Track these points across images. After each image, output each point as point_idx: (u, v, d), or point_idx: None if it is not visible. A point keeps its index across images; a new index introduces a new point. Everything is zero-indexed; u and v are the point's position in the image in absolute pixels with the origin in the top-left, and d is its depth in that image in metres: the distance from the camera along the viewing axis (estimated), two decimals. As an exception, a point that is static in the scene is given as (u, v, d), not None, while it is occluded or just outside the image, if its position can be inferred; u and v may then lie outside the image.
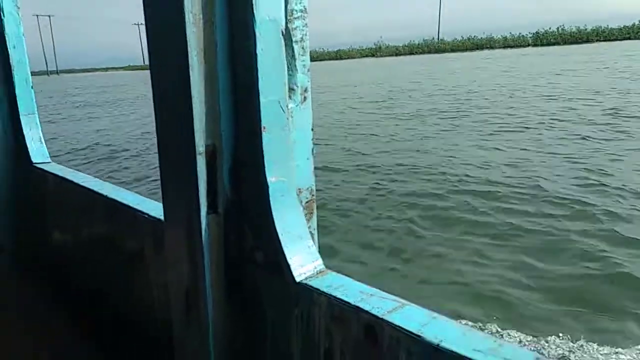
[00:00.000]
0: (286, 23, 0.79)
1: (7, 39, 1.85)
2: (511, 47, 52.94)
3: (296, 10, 0.80)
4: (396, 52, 60.63)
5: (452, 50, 55.10)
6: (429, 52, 56.78)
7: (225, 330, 0.88)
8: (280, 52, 0.79)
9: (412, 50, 59.50)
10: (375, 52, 62.55)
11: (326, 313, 0.74)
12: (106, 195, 1.40)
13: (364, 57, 62.22)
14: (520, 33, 56.26)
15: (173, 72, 0.80)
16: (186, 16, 0.73)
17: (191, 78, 0.76)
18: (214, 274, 0.84)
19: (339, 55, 64.67)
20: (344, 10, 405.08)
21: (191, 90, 0.76)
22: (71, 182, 1.61)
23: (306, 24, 0.83)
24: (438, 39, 64.01)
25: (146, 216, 1.19)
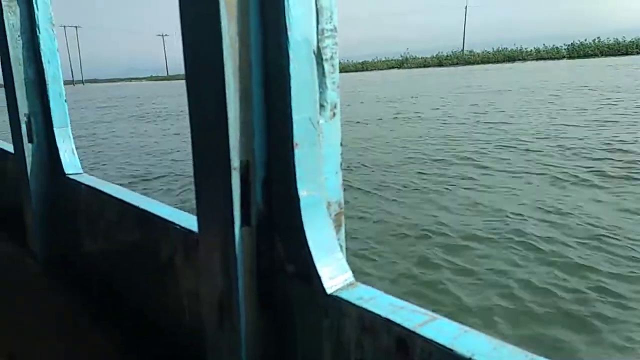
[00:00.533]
0: (317, 42, 0.84)
1: (42, 54, 1.97)
2: (544, 59, 52.12)
3: (327, 30, 0.86)
4: (424, 63, 60.53)
5: (482, 62, 54.55)
6: (457, 64, 56.35)
7: (257, 339, 0.92)
8: (312, 71, 0.84)
9: (440, 62, 59.27)
10: (402, 63, 62.64)
11: (357, 325, 0.77)
12: (137, 206, 1.47)
13: (390, 68, 62.34)
14: (553, 45, 55.44)
15: (209, 90, 0.86)
16: (223, 38, 0.79)
17: (227, 97, 0.81)
18: (246, 285, 0.89)
19: (364, 67, 64.99)
20: (365, 22, 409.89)
21: (227, 108, 0.82)
22: (103, 192, 1.70)
23: (336, 43, 0.88)
24: (463, 50, 63.69)
25: (177, 227, 1.25)
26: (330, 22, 0.86)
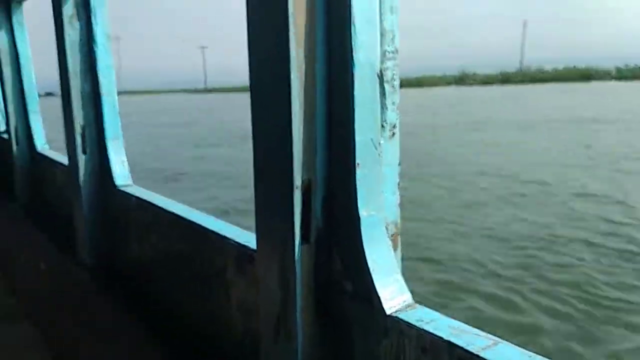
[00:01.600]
0: (380, 64, 0.90)
1: (98, 68, 2.16)
2: (627, 78, 49.27)
3: (389, 52, 0.91)
4: (486, 80, 59.06)
5: (554, 80, 52.28)
6: (524, 82, 54.23)
7: (312, 353, 0.97)
8: (375, 92, 0.90)
9: (506, 79, 57.50)
10: (460, 80, 61.45)
11: (417, 346, 0.80)
12: (189, 219, 1.56)
13: (448, 84, 61.23)
14: (635, 64, 52.40)
15: (275, 112, 0.93)
16: (291, 63, 0.86)
17: (292, 118, 0.88)
18: (304, 301, 0.94)
19: (419, 83, 64.21)
20: (414, 35, 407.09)
21: (292, 129, 0.88)
22: (154, 204, 1.81)
23: (397, 64, 0.93)
24: (521, 67, 61.50)
25: (231, 241, 1.33)
26: (392, 45, 0.92)
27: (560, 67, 56.66)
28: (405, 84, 64.31)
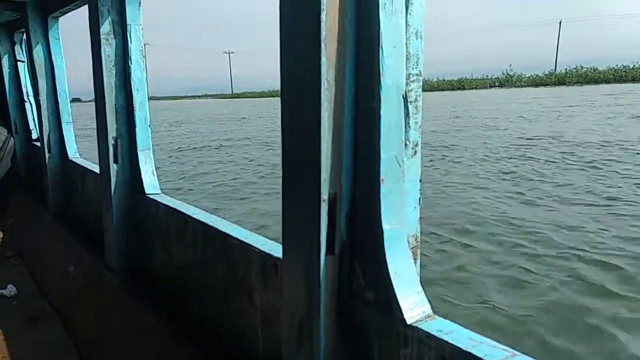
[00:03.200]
0: (405, 86, 1.01)
1: (132, 82, 2.36)
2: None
3: (413, 74, 1.03)
4: (536, 82, 57.25)
5: (605, 82, 50.02)
6: (579, 83, 52.00)
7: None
8: (400, 113, 1.01)
9: (559, 80, 55.24)
10: (505, 82, 60.03)
11: (437, 355, 0.89)
12: (217, 228, 1.70)
13: (490, 87, 59.75)
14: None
15: (305, 128, 1.05)
16: (322, 83, 0.98)
17: (322, 134, 1.00)
18: (327, 309, 1.05)
19: (461, 85, 63.08)
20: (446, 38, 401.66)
21: (321, 145, 1.00)
22: (182, 213, 1.97)
23: (420, 86, 1.04)
24: (556, 68, 59.15)
25: (256, 250, 1.46)
26: (416, 67, 1.03)
27: (602, 67, 53.98)
28: (446, 86, 63.15)
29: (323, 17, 0.95)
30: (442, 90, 58.67)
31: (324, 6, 0.95)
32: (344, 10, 0.98)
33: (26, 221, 4.29)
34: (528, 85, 56.08)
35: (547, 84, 54.94)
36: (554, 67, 61.74)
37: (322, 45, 0.96)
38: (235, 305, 1.60)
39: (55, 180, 3.73)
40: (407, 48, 1.00)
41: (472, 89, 59.55)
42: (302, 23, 1.01)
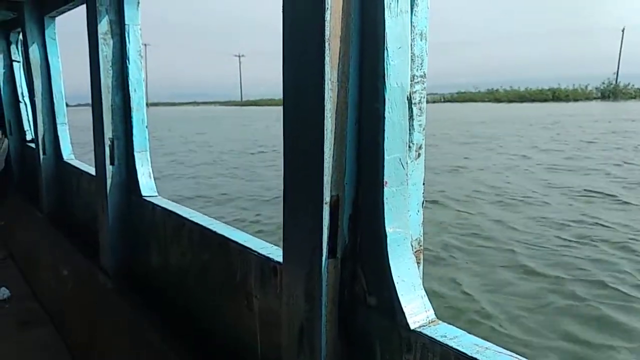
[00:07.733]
0: (409, 88, 1.00)
1: (129, 83, 2.35)
2: None
3: (417, 76, 1.02)
4: (585, 96, 50.49)
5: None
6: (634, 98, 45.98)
7: None
8: (404, 115, 1.00)
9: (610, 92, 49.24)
10: (608, 93, 51.46)
11: None
12: (214, 231, 1.69)
13: (595, 99, 49.63)
14: None
15: (307, 129, 1.04)
16: (325, 84, 0.97)
17: (325, 136, 0.99)
18: (329, 313, 1.04)
19: (556, 96, 51.53)
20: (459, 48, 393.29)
21: (324, 147, 0.99)
22: (178, 215, 1.95)
23: (425, 88, 1.04)
24: (617, 80, 54.88)
25: (255, 253, 1.44)
26: (420, 69, 1.02)
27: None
28: (537, 96, 51.99)
29: (327, 16, 0.95)
30: (533, 101, 48.77)
31: (328, 5, 0.94)
32: (348, 10, 0.98)
33: (19, 222, 4.27)
34: (630, 98, 47.85)
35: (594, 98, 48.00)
36: (612, 78, 55.44)
37: (326, 45, 0.96)
38: (233, 310, 1.59)
39: (50, 182, 3.70)
40: (411, 49, 1.00)
41: (565, 100, 49.67)
42: (306, 23, 1.01)
